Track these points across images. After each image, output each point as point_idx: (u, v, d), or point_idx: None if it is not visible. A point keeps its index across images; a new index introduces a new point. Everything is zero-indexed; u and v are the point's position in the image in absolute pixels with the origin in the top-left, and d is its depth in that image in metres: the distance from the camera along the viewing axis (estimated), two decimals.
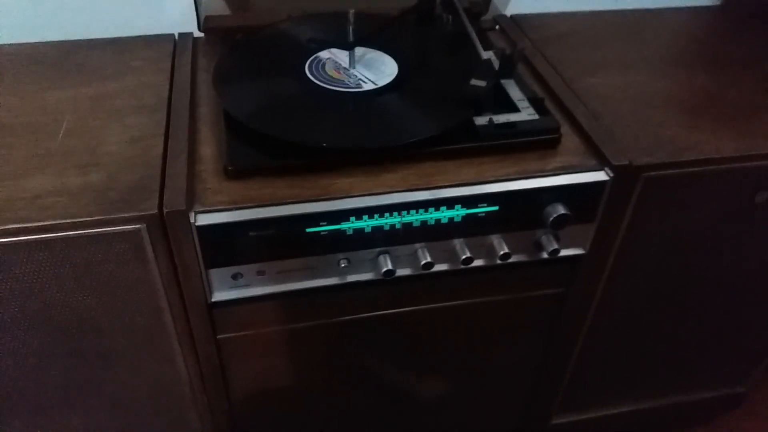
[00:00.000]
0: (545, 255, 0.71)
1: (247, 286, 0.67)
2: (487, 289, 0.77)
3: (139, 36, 0.86)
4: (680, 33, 0.93)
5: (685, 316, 0.88)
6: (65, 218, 0.59)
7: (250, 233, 0.63)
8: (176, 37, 0.87)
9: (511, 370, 0.90)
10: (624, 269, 0.77)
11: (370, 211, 0.64)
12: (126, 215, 0.59)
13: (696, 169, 0.69)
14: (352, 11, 0.73)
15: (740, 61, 0.86)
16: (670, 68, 0.84)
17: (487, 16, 0.94)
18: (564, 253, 0.72)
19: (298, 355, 0.78)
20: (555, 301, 0.80)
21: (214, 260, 0.64)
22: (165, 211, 0.59)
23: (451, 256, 0.70)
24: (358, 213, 0.64)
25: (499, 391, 0.93)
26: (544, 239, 0.70)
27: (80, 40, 0.84)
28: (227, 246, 0.63)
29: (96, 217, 0.59)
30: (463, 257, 0.68)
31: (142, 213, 0.59)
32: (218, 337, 0.72)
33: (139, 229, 0.60)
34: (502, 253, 0.69)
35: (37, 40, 0.84)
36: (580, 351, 0.88)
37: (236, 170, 0.64)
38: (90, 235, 0.59)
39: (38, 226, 0.58)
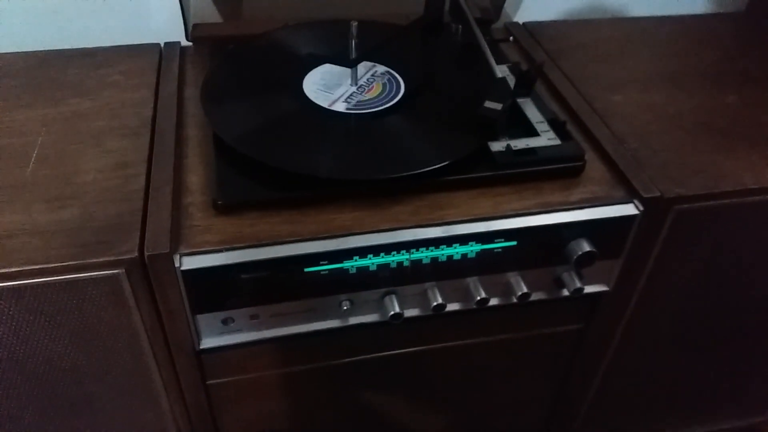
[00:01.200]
0: (566, 293, 0.65)
1: (239, 331, 0.61)
2: (502, 327, 0.71)
3: (121, 46, 0.79)
4: (706, 43, 0.86)
5: (710, 349, 0.83)
6: (34, 263, 0.52)
7: (242, 276, 0.56)
8: (162, 47, 0.80)
9: (525, 407, 0.84)
10: (649, 305, 0.71)
11: (376, 250, 0.58)
12: (102, 260, 0.53)
13: (733, 200, 0.63)
14: (354, 23, 0.66)
15: None
16: (698, 84, 0.77)
17: (498, 24, 0.88)
18: (587, 290, 0.66)
19: (297, 399, 0.72)
20: (574, 338, 0.74)
21: (202, 306, 0.58)
22: (146, 254, 0.53)
23: (465, 295, 0.63)
24: (363, 252, 0.58)
25: (512, 429, 0.87)
26: (565, 276, 0.64)
27: (55, 50, 0.77)
28: (216, 290, 0.57)
29: (68, 263, 0.52)
30: (478, 298, 0.62)
31: (121, 257, 0.53)
32: (208, 382, 0.66)
33: (117, 275, 0.53)
34: (520, 293, 0.63)
35: (6, 51, 0.77)
36: (599, 386, 0.82)
37: (226, 204, 0.57)
38: (62, 281, 0.53)
39: (3, 273, 0.51)
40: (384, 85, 0.70)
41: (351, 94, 0.68)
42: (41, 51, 0.77)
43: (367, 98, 0.68)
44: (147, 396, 0.65)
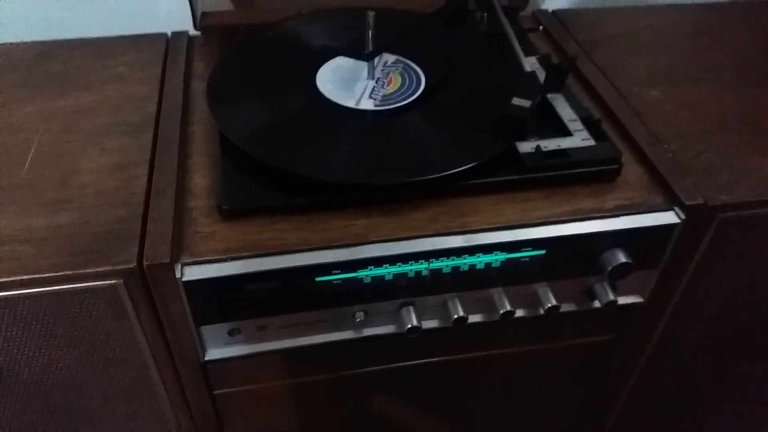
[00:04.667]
0: (598, 305, 0.60)
1: (245, 342, 0.57)
2: (527, 338, 0.66)
3: (127, 35, 0.75)
4: (749, 34, 0.80)
5: (744, 364, 0.78)
6: (27, 273, 0.49)
7: (249, 287, 0.52)
8: (169, 37, 0.76)
9: (551, 419, 0.79)
10: (684, 317, 0.66)
11: (393, 260, 0.54)
12: (99, 270, 0.49)
13: None
14: (371, 13, 0.61)
15: None
16: (743, 79, 0.71)
17: (526, 12, 0.83)
18: (621, 302, 0.61)
19: (307, 411, 0.68)
20: (604, 349, 0.70)
21: (206, 317, 0.54)
22: (145, 263, 0.49)
23: (488, 306, 0.59)
24: (378, 262, 0.54)
25: None
26: (598, 287, 0.60)
27: (57, 40, 0.73)
28: (221, 302, 0.53)
29: (63, 272, 0.49)
30: (503, 311, 0.57)
31: (118, 267, 0.49)
32: (215, 392, 0.63)
33: (114, 285, 0.50)
34: (549, 306, 0.58)
35: (7, 41, 0.73)
36: (627, 398, 0.78)
37: (232, 210, 0.53)
38: (57, 292, 0.49)
39: None
40: (402, 76, 0.65)
41: (373, 89, 0.63)
42: (43, 41, 0.73)
43: (390, 92, 0.63)
44: (151, 408, 0.62)
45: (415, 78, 0.65)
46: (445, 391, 0.71)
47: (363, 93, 0.63)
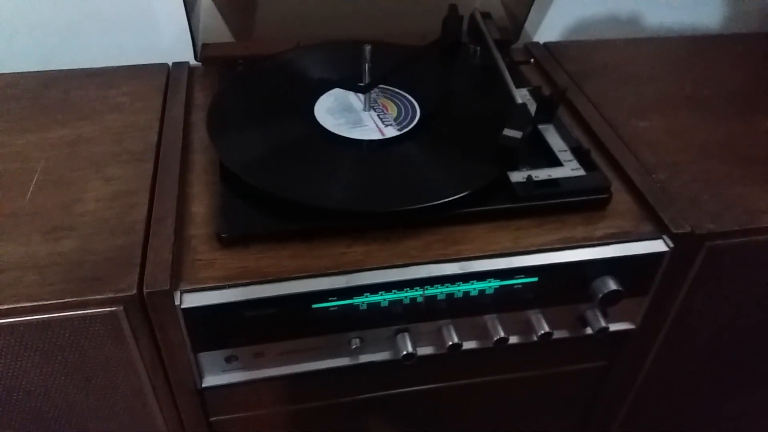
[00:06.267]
0: (590, 332, 0.61)
1: (242, 369, 0.58)
2: (521, 364, 0.67)
3: (128, 66, 0.76)
4: (737, 66, 0.82)
5: (737, 390, 0.78)
6: (29, 300, 0.49)
7: (246, 314, 0.53)
8: (170, 67, 0.77)
9: None
10: (676, 343, 0.67)
11: (388, 287, 0.55)
12: (100, 297, 0.50)
13: None
14: (368, 47, 0.63)
15: None
16: (728, 109, 0.73)
17: (518, 44, 0.85)
18: (612, 328, 0.62)
19: None
20: (597, 375, 0.70)
21: (204, 344, 0.55)
22: (146, 291, 0.50)
23: (483, 333, 0.60)
24: (374, 289, 0.55)
25: None
26: (589, 314, 0.61)
27: (60, 70, 0.75)
28: (219, 328, 0.54)
29: (64, 300, 0.49)
30: (497, 337, 0.58)
31: (119, 294, 0.50)
32: (211, 419, 0.63)
33: (115, 312, 0.51)
34: (542, 332, 0.59)
35: (11, 71, 0.75)
36: (622, 422, 0.78)
37: (230, 238, 0.54)
38: (58, 318, 0.50)
39: None
40: (394, 102, 0.67)
41: (380, 116, 0.65)
42: (45, 71, 0.75)
43: (395, 116, 0.65)
44: None
45: (410, 107, 0.67)
46: (440, 418, 0.71)
47: (376, 122, 0.65)
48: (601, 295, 0.57)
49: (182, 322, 0.52)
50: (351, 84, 0.65)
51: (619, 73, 0.80)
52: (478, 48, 0.75)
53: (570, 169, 0.61)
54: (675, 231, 0.57)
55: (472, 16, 0.76)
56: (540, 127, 0.65)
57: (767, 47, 0.88)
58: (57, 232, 0.55)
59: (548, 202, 0.59)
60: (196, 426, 0.62)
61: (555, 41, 0.86)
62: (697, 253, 0.59)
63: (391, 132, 0.63)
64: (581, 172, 0.60)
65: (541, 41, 0.87)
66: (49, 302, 0.49)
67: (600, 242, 0.57)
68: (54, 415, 0.58)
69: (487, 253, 0.56)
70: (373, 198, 0.57)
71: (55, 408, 0.58)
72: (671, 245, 0.57)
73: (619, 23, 0.91)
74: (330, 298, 0.54)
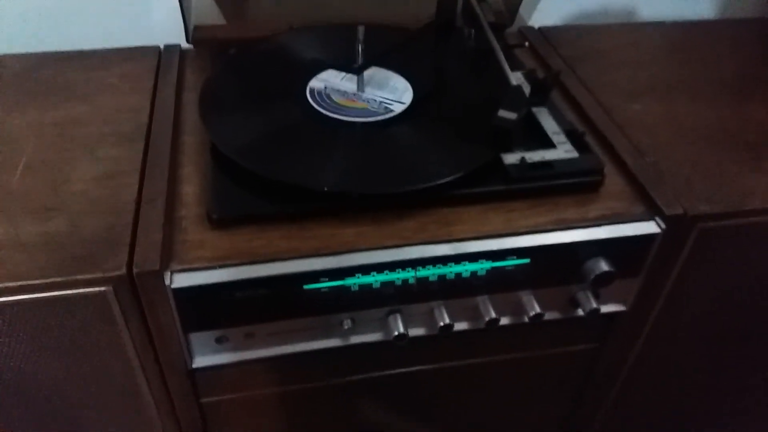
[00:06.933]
0: (582, 313, 0.61)
1: (233, 350, 0.57)
2: (513, 345, 0.67)
3: (119, 48, 0.76)
4: (730, 51, 0.82)
5: (728, 371, 0.79)
6: (17, 279, 0.49)
7: (237, 294, 0.53)
8: (161, 50, 0.77)
9: (537, 425, 0.80)
10: (667, 325, 0.68)
11: (381, 267, 0.55)
12: (88, 276, 0.49)
13: (761, 219, 0.59)
14: (361, 28, 0.63)
15: None
16: (721, 93, 0.73)
17: (513, 29, 0.84)
18: (603, 310, 0.62)
19: (295, 418, 0.68)
20: (588, 357, 0.71)
21: (195, 324, 0.54)
22: (135, 271, 0.50)
23: (474, 314, 0.60)
24: (366, 269, 0.54)
25: None
26: (581, 296, 0.61)
27: (51, 52, 0.74)
28: (209, 309, 0.53)
29: (52, 279, 0.49)
30: (488, 318, 0.58)
31: (108, 274, 0.49)
32: (202, 401, 0.63)
33: (104, 292, 0.50)
34: (533, 313, 0.59)
35: (1, 52, 0.74)
36: (612, 405, 0.78)
37: (221, 218, 0.54)
38: (46, 298, 0.50)
39: None
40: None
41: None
42: (36, 53, 0.74)
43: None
44: (138, 415, 0.62)
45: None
46: (432, 399, 0.72)
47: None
48: (593, 276, 0.57)
49: (172, 302, 0.52)
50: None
51: (614, 57, 0.79)
52: (473, 31, 0.74)
53: (563, 151, 0.60)
54: (667, 212, 0.57)
55: None
56: (534, 109, 0.65)
57: (761, 32, 0.88)
58: (46, 212, 0.54)
59: (541, 184, 0.58)
60: (187, 408, 0.62)
61: (550, 25, 0.86)
62: (689, 235, 0.59)
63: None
64: (574, 155, 0.60)
65: (536, 26, 0.86)
66: (36, 282, 0.49)
67: (592, 224, 0.57)
68: (43, 397, 0.58)
69: (479, 235, 0.56)
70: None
71: (44, 390, 0.57)
72: (663, 227, 0.57)
73: (614, 8, 0.91)
74: (322, 279, 0.54)
